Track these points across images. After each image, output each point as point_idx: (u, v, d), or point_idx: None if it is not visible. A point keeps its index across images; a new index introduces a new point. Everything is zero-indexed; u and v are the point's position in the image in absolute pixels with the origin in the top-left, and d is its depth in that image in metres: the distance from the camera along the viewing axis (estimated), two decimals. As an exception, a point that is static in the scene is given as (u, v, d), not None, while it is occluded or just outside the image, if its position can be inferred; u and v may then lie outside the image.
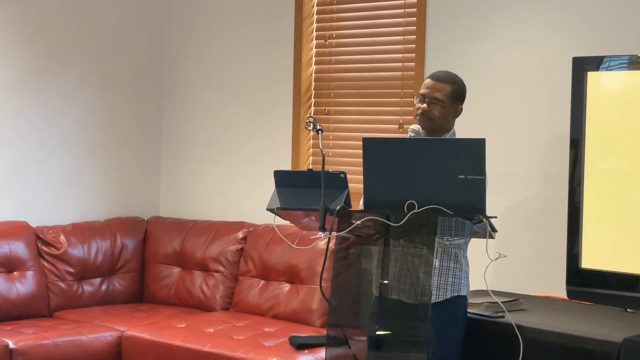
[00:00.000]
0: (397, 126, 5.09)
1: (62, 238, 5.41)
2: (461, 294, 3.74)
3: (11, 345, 4.60)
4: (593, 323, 3.84)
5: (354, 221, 3.46)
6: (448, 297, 3.72)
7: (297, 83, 5.47)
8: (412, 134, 3.72)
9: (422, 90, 3.78)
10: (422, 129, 3.76)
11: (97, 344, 4.87)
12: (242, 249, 5.43)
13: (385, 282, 3.56)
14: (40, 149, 5.55)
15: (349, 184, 3.51)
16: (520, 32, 4.65)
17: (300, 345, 4.48)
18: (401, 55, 5.10)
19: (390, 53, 5.17)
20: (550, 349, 3.66)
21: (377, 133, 5.17)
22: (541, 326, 3.72)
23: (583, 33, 4.45)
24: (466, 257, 3.77)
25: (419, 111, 3.76)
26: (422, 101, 3.76)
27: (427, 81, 3.79)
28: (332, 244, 3.64)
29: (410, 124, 4.88)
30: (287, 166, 5.46)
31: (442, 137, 3.77)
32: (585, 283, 4.00)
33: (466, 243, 3.76)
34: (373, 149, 3.48)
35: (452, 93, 3.76)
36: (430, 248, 3.53)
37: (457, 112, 3.81)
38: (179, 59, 6.04)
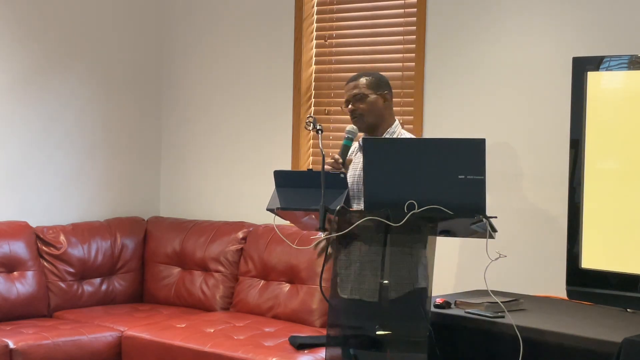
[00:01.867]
0: (397, 126, 5.09)
1: (62, 238, 5.41)
2: (418, 286, 3.61)
3: (11, 345, 4.60)
4: (593, 323, 3.84)
5: (354, 221, 3.46)
6: (407, 290, 3.60)
7: (297, 83, 5.47)
8: (349, 136, 3.86)
9: (344, 97, 3.94)
10: (360, 130, 3.86)
11: (97, 344, 4.87)
12: (242, 249, 5.43)
13: (385, 282, 3.56)
14: (40, 149, 5.55)
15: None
16: (520, 32, 4.65)
17: (300, 345, 4.48)
18: (401, 55, 5.10)
19: (390, 53, 5.16)
20: (550, 349, 3.66)
21: (377, 133, 5.17)
22: (541, 326, 3.72)
23: (583, 33, 4.45)
24: (431, 249, 3.65)
25: (350, 114, 3.92)
26: (347, 105, 3.92)
27: (345, 88, 3.97)
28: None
29: (409, 124, 4.92)
30: (287, 166, 5.45)
31: (388, 135, 3.91)
32: (585, 283, 3.99)
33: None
34: (373, 149, 3.49)
35: (368, 83, 3.91)
36: (423, 247, 3.54)
37: (386, 99, 3.91)
38: (179, 59, 6.04)
